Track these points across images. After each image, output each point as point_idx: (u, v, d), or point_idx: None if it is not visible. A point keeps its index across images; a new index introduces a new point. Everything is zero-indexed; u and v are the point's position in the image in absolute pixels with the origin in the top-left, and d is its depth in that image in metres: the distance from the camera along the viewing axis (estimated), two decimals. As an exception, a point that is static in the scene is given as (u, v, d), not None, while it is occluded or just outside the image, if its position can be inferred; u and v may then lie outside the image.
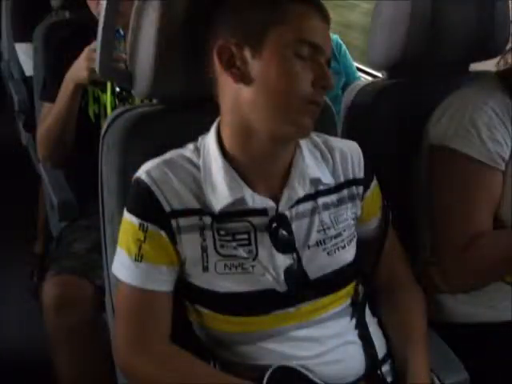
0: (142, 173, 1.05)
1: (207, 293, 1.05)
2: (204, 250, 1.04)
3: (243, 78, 1.00)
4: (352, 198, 1.14)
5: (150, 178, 1.03)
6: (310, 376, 1.04)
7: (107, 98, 1.65)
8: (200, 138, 1.10)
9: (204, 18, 1.06)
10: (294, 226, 1.07)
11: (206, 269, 1.04)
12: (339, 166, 1.13)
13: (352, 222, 1.14)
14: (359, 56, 2.68)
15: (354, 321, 1.13)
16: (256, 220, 1.05)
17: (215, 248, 1.04)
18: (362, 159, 1.16)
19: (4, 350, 2.08)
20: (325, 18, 1.02)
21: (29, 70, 2.53)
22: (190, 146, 1.09)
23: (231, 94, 1.03)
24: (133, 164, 1.10)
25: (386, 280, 1.21)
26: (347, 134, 1.41)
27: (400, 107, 1.42)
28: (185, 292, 1.08)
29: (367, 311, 1.17)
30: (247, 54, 1.00)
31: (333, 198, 1.11)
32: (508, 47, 1.42)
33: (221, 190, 1.03)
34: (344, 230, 1.11)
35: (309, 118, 1.02)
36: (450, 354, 1.19)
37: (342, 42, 2.43)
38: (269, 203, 1.05)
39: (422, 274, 1.29)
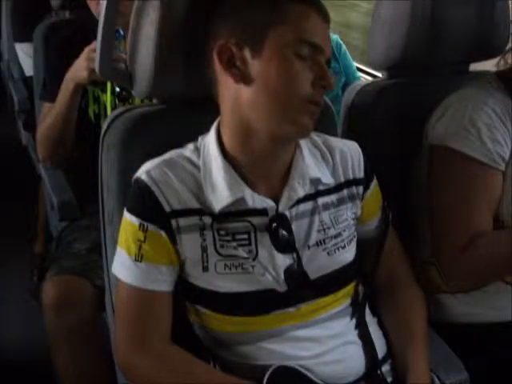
0: (141, 173, 1.05)
1: (207, 293, 1.05)
2: (204, 249, 1.04)
3: (243, 78, 1.00)
4: (352, 197, 1.14)
5: (149, 177, 1.03)
6: (310, 376, 1.04)
7: (107, 98, 1.65)
8: (200, 138, 1.10)
9: (204, 18, 1.06)
10: (293, 226, 1.07)
11: (205, 269, 1.04)
12: (339, 166, 1.13)
13: (352, 221, 1.14)
14: (359, 56, 2.68)
15: (354, 321, 1.13)
16: (256, 220, 1.05)
17: (215, 248, 1.04)
18: (361, 159, 1.16)
19: (4, 350, 2.08)
20: (325, 17, 1.02)
21: (29, 70, 2.54)
22: (190, 146, 1.09)
23: (231, 93, 1.03)
24: (133, 164, 1.10)
25: (386, 280, 1.21)
26: (347, 134, 1.41)
27: (400, 107, 1.42)
28: (185, 292, 1.08)
29: (367, 311, 1.17)
30: (247, 54, 1.00)
31: (333, 197, 1.11)
32: (508, 47, 1.42)
33: (221, 190, 1.03)
34: (344, 230, 1.11)
35: (309, 117, 1.02)
36: (450, 354, 1.19)
37: (341, 42, 2.43)
38: (269, 203, 1.05)
39: (421, 273, 1.29)
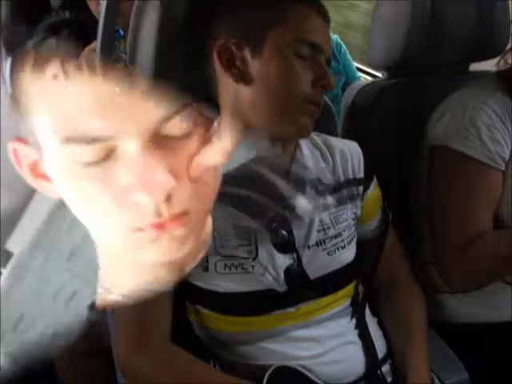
0: (142, 173, 1.04)
1: (207, 293, 1.05)
2: (204, 250, 1.03)
3: (243, 78, 1.00)
4: (352, 197, 1.14)
5: (150, 177, 1.03)
6: (310, 376, 1.04)
7: (107, 98, 1.65)
8: (200, 138, 1.10)
9: (204, 18, 1.06)
10: (293, 226, 1.07)
11: (205, 269, 1.04)
12: (339, 166, 1.13)
13: (352, 221, 1.14)
14: (359, 56, 2.68)
15: (354, 321, 1.13)
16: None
17: (215, 248, 1.04)
18: (361, 159, 1.16)
19: (4, 350, 2.08)
20: (325, 18, 1.02)
21: (29, 70, 2.53)
22: (190, 146, 1.09)
23: (231, 94, 1.03)
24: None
25: (386, 280, 1.22)
26: (347, 134, 1.41)
27: (400, 107, 1.42)
28: (185, 292, 1.08)
29: (367, 311, 1.17)
30: (247, 54, 1.00)
31: (333, 197, 1.11)
32: (508, 47, 1.42)
33: (221, 190, 1.03)
34: (344, 230, 1.11)
35: (309, 117, 1.02)
36: (450, 354, 1.19)
37: (341, 42, 2.43)
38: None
39: (421, 273, 1.29)
